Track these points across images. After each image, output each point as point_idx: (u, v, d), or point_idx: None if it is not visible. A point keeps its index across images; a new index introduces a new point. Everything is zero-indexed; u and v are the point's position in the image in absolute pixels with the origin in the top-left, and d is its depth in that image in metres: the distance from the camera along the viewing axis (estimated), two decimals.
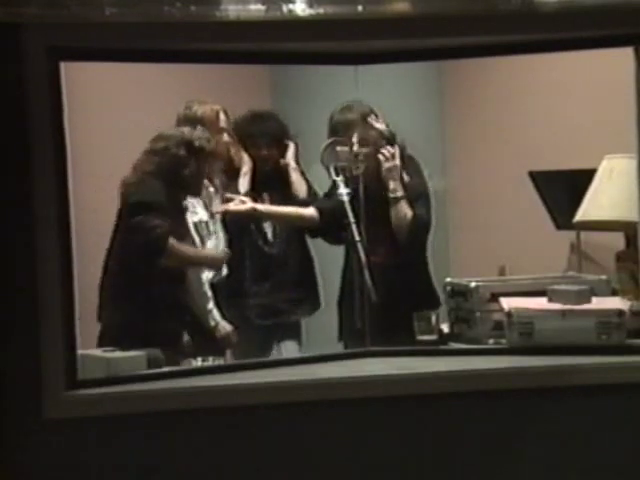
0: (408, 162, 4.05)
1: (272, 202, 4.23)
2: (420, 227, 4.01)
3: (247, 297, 4.18)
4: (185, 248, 3.91)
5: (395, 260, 4.01)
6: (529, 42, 3.41)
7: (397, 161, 3.98)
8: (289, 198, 4.23)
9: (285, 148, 4.25)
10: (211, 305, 4.04)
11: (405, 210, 3.99)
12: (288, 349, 4.22)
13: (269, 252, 4.23)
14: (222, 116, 4.15)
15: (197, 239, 4.01)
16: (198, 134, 3.92)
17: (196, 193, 4.01)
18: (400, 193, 3.98)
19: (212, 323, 4.03)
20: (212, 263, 4.04)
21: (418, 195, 4.03)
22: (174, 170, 3.85)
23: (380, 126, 4.01)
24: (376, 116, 4.03)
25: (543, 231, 4.78)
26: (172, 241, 3.81)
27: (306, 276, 4.29)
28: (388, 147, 3.99)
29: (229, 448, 3.21)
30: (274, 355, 4.14)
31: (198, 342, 3.89)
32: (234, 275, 4.12)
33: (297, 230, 4.26)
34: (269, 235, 4.25)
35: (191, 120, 4.05)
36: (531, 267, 4.31)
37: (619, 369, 3.33)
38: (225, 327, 4.05)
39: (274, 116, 4.31)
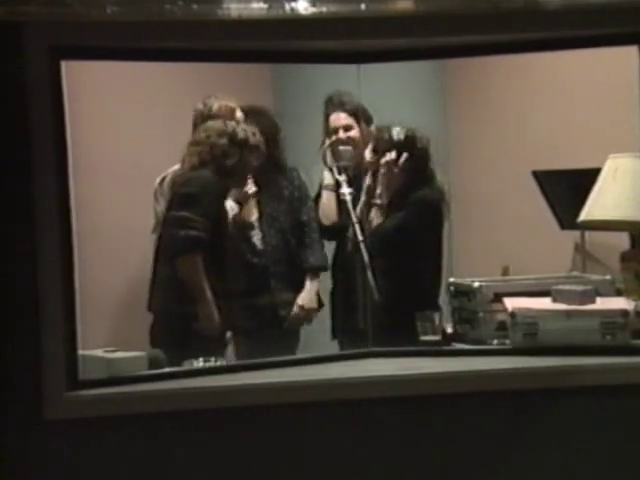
0: None
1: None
2: (385, 234, 3.99)
3: (240, 305, 4.16)
4: (202, 276, 3.83)
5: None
6: (533, 40, 3.41)
7: (396, 170, 3.98)
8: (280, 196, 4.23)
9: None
10: None
11: (374, 217, 3.99)
12: (287, 351, 4.20)
13: (259, 263, 4.21)
14: (238, 113, 4.13)
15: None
16: (242, 126, 3.97)
17: (240, 185, 4.04)
18: (379, 201, 3.98)
19: None
20: (207, 318, 3.87)
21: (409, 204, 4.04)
22: (216, 160, 3.89)
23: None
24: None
25: (547, 231, 4.76)
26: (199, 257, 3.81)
27: (297, 278, 4.26)
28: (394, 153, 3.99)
29: (229, 448, 3.21)
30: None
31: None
32: (229, 283, 4.10)
33: (284, 235, 4.25)
34: (259, 246, 4.22)
35: (206, 116, 4.06)
36: (535, 267, 4.29)
37: (623, 370, 3.33)
38: None
39: (266, 113, 4.28)
